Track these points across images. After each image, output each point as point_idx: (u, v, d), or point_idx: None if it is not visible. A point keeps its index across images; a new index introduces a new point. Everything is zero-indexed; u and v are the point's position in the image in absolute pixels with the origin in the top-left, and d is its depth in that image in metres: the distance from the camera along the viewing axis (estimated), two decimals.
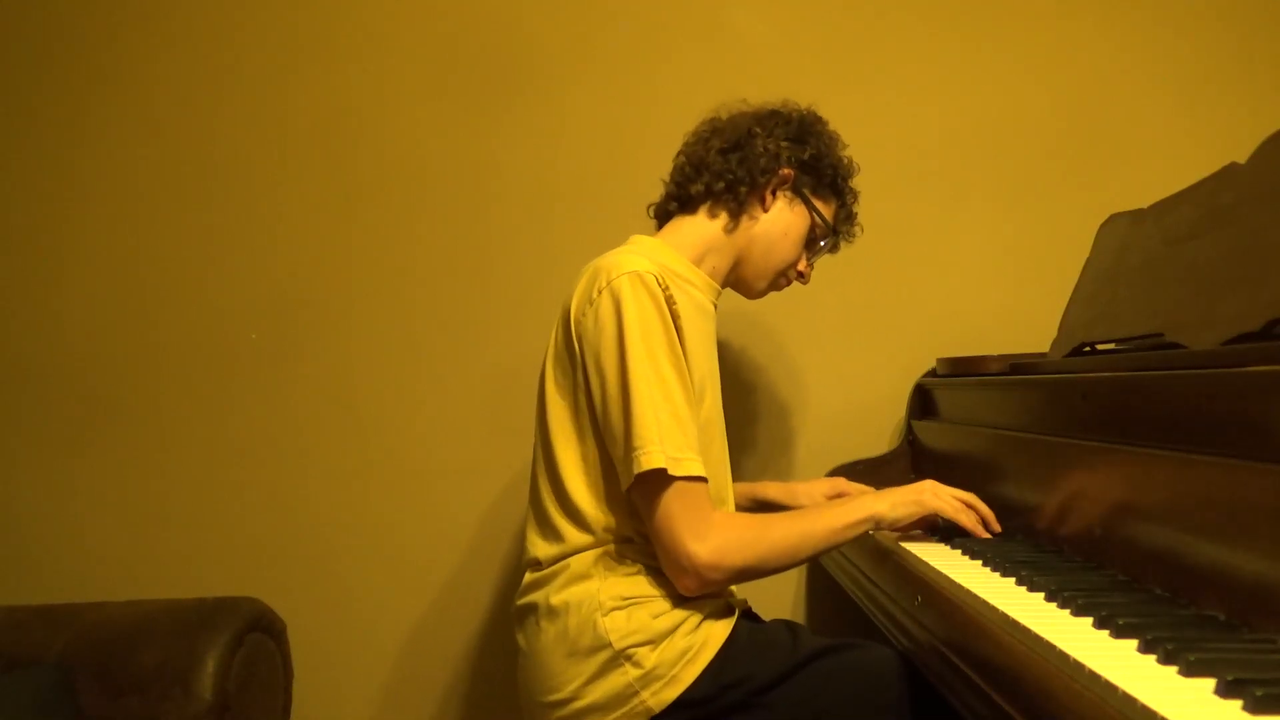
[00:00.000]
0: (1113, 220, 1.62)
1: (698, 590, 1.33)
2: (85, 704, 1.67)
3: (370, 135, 2.12)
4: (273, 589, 1.91)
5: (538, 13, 2.11)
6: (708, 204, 1.52)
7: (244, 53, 2.14)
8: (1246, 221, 1.19)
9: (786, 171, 1.52)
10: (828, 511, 1.38)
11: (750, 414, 2.08)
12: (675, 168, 1.58)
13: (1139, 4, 2.08)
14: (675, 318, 1.36)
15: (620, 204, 2.02)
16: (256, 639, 1.76)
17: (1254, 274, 1.12)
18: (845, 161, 1.59)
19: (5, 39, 2.17)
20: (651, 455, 1.28)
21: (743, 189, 1.51)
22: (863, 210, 2.10)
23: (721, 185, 1.50)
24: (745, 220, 1.53)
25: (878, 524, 1.39)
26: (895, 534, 1.49)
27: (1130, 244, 1.50)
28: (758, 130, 1.52)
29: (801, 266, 1.60)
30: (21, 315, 2.16)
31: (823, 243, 1.59)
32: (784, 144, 1.52)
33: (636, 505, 1.34)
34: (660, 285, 1.35)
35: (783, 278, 1.60)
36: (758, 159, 1.50)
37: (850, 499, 1.41)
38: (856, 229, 1.64)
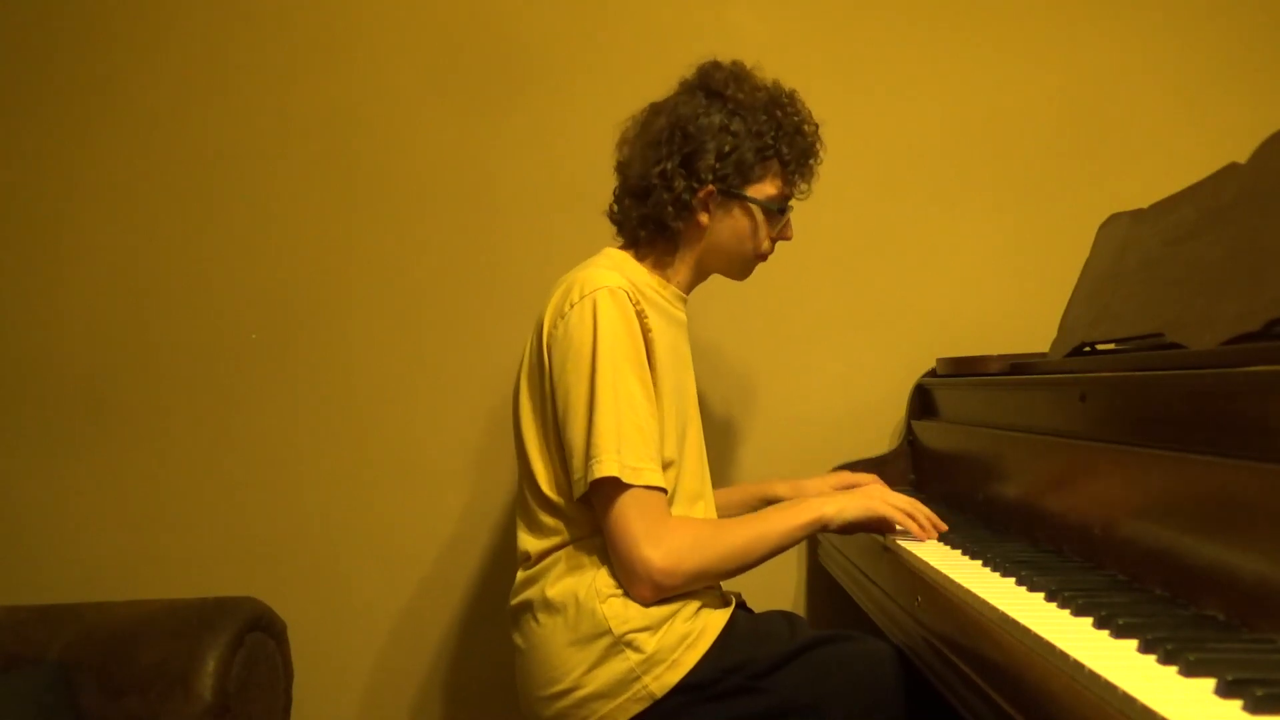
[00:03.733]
0: (1113, 220, 1.62)
1: (653, 597, 1.33)
2: (85, 704, 1.67)
3: (371, 136, 2.12)
4: (273, 589, 1.91)
5: (538, 13, 2.11)
6: (648, 241, 1.52)
7: (244, 53, 2.14)
8: (1246, 221, 1.19)
9: (705, 191, 1.47)
10: (779, 514, 1.39)
11: (750, 414, 2.08)
12: (612, 199, 1.56)
13: (1139, 4, 2.08)
14: (646, 331, 1.38)
15: None
16: (256, 639, 1.76)
17: (1254, 274, 1.12)
18: (767, 112, 1.48)
19: (5, 39, 2.17)
20: (606, 464, 1.30)
21: (669, 229, 1.48)
22: (863, 210, 2.09)
23: (646, 232, 1.50)
24: (690, 241, 1.51)
25: (825, 526, 1.40)
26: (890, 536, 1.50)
27: (1130, 244, 1.50)
28: (659, 167, 1.46)
29: (774, 235, 1.55)
30: (23, 316, 2.16)
31: (783, 210, 1.54)
32: (698, 162, 1.45)
33: (596, 514, 1.35)
34: (632, 300, 1.37)
35: (759, 258, 1.57)
36: (666, 206, 1.46)
37: (800, 501, 1.41)
38: (813, 168, 1.55)
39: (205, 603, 1.79)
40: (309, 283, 2.12)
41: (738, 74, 1.51)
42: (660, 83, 2.09)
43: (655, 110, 1.54)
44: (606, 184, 2.06)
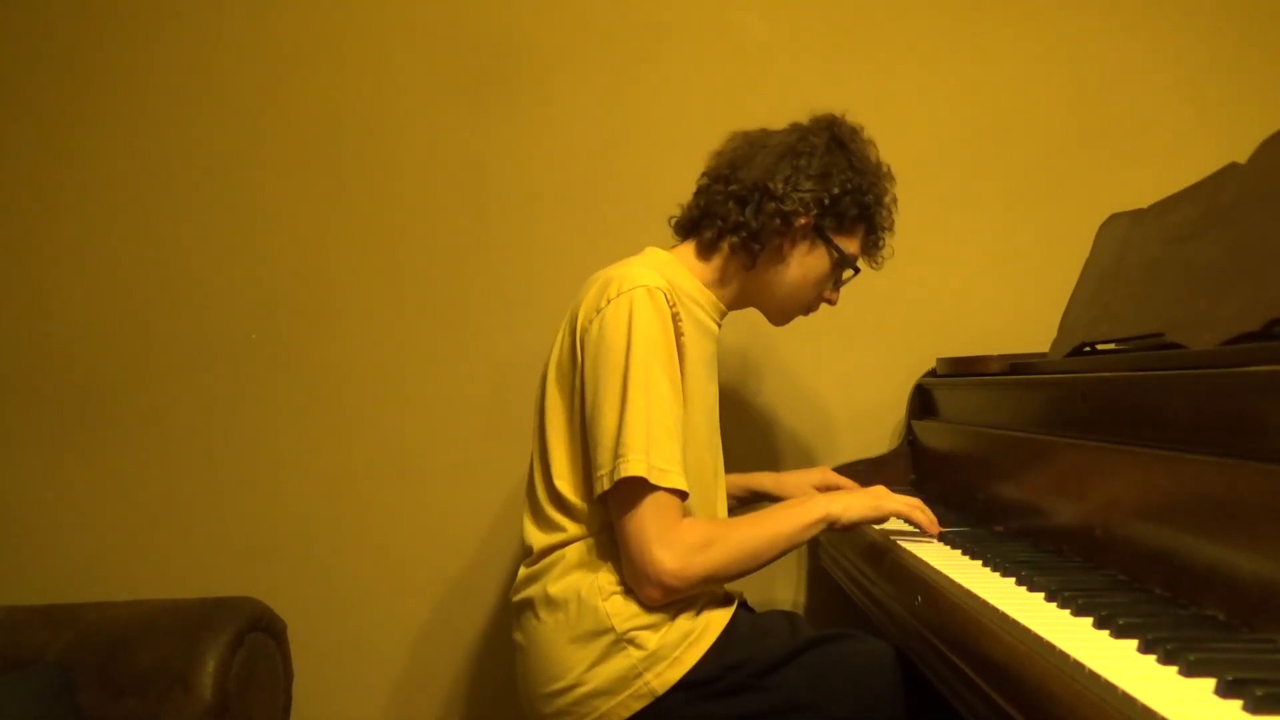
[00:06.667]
0: (1113, 220, 1.62)
1: (662, 600, 1.33)
2: (85, 704, 1.67)
3: (370, 136, 2.12)
4: (273, 589, 1.91)
5: (537, 13, 2.11)
6: (722, 249, 1.51)
7: (240, 52, 2.14)
8: (1246, 221, 1.19)
9: (804, 221, 1.48)
10: (787, 514, 1.39)
11: (750, 414, 2.08)
12: (695, 193, 1.55)
13: (1140, 3, 2.08)
14: (679, 335, 1.38)
15: (620, 206, 2.03)
16: (256, 639, 1.76)
17: (1254, 274, 1.12)
18: (877, 183, 1.53)
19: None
20: (634, 463, 1.29)
21: (756, 246, 1.48)
22: None
23: (735, 240, 1.48)
24: (760, 267, 1.51)
25: (832, 525, 1.40)
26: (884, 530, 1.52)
27: (1130, 244, 1.50)
28: (776, 179, 1.47)
29: (828, 294, 1.58)
30: (22, 316, 2.16)
31: (847, 274, 1.57)
32: (805, 188, 1.47)
33: (610, 511, 1.34)
34: (669, 302, 1.36)
35: (805, 310, 1.59)
36: (772, 218, 1.46)
37: (807, 500, 1.42)
38: (885, 252, 1.60)
39: (205, 603, 1.79)
40: (308, 282, 2.12)
41: (859, 134, 1.54)
42: (661, 84, 2.09)
43: (771, 133, 1.54)
44: (605, 184, 2.06)
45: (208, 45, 2.15)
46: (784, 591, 2.06)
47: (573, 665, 1.34)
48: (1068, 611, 0.99)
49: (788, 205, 1.46)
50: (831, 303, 1.60)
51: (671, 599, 1.34)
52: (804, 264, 1.52)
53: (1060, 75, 2.07)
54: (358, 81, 2.13)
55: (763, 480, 1.74)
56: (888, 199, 1.56)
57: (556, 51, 2.11)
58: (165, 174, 2.15)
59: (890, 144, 2.05)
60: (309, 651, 1.95)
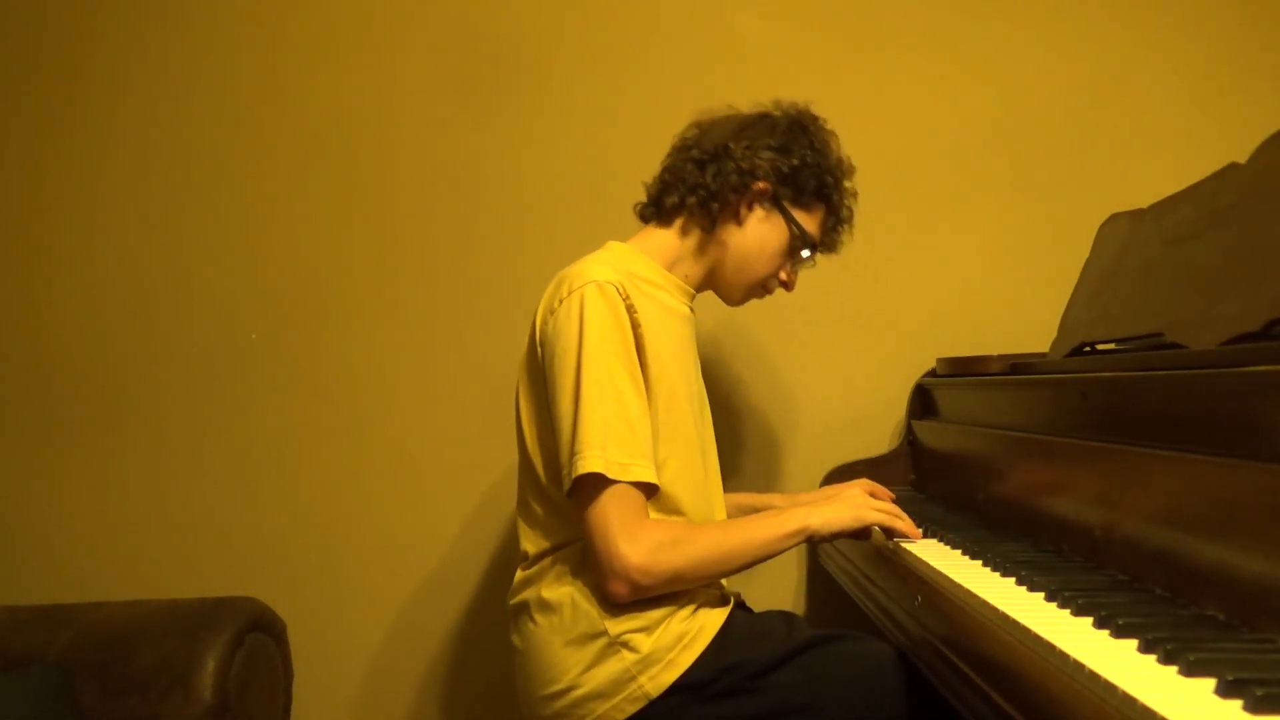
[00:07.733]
0: (1113, 220, 1.62)
1: (628, 596, 1.32)
2: (85, 704, 1.68)
3: (366, 137, 2.12)
4: (273, 589, 1.91)
5: (538, 13, 2.11)
6: (682, 217, 1.53)
7: (240, 53, 2.15)
8: (1246, 221, 1.19)
9: (761, 186, 1.50)
10: (764, 522, 1.38)
11: (750, 415, 2.08)
12: (658, 173, 1.58)
13: (1139, 3, 2.08)
14: (636, 325, 1.37)
15: (619, 206, 2.02)
16: (256, 639, 1.77)
17: (1254, 274, 1.12)
18: (837, 166, 1.56)
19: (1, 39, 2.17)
20: (590, 459, 1.29)
21: (715, 205, 1.50)
22: (864, 210, 2.08)
23: (694, 200, 1.50)
24: (719, 234, 1.52)
25: (810, 537, 1.39)
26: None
27: (1130, 244, 1.50)
28: (737, 143, 1.50)
29: (784, 276, 1.58)
30: (22, 316, 2.16)
31: (805, 253, 1.57)
32: (765, 155, 1.50)
33: (578, 509, 1.33)
34: (621, 294, 1.36)
35: (761, 289, 1.59)
36: (729, 175, 1.49)
37: (785, 511, 1.41)
38: (843, 237, 1.62)
39: (205, 603, 1.79)
40: (308, 282, 2.12)
41: (822, 124, 1.58)
42: (657, 84, 2.10)
43: (737, 112, 1.58)
44: (601, 185, 2.07)
45: (204, 46, 2.15)
46: (783, 592, 2.06)
47: (569, 668, 1.34)
48: (1068, 611, 0.99)
49: (746, 164, 1.49)
50: (788, 286, 1.60)
51: (638, 596, 1.32)
52: (760, 232, 1.52)
53: (1061, 75, 2.07)
54: (355, 84, 2.13)
55: (776, 502, 1.70)
56: (847, 184, 1.59)
57: (553, 53, 2.10)
58: (163, 174, 2.15)
59: (890, 143, 2.07)
60: (309, 651, 1.95)
